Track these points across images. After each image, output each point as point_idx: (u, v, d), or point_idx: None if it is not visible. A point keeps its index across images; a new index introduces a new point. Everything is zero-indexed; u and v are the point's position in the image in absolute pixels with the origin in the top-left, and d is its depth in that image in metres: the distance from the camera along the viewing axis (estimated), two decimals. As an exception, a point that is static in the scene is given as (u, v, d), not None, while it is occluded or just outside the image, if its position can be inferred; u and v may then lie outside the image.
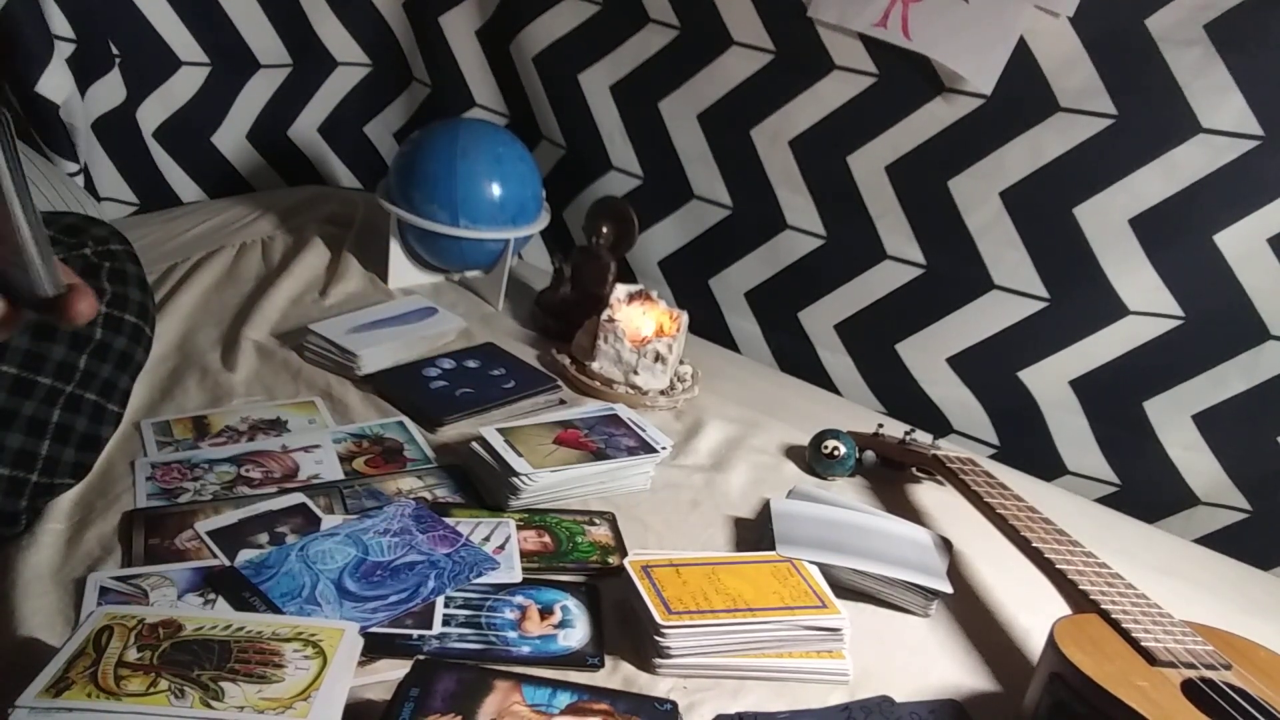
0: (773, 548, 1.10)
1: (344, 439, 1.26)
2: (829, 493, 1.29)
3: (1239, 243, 1.34)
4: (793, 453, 1.40)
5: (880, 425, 1.40)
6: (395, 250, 1.70)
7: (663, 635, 0.94)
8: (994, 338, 1.54)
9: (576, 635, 0.98)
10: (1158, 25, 1.33)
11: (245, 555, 1.01)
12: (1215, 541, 1.43)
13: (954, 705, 0.97)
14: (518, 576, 1.05)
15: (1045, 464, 1.53)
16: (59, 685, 0.75)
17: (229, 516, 1.07)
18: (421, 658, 0.88)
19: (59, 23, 1.61)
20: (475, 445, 1.20)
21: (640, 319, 1.49)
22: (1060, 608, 0.99)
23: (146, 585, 0.96)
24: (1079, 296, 1.46)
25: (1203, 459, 1.44)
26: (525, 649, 0.95)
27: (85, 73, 1.69)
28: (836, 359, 1.70)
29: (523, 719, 0.81)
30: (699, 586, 1.00)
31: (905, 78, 1.51)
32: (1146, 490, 1.48)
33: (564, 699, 0.83)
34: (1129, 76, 1.36)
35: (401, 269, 1.71)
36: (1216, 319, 1.38)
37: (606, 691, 0.87)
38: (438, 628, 0.96)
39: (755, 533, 1.20)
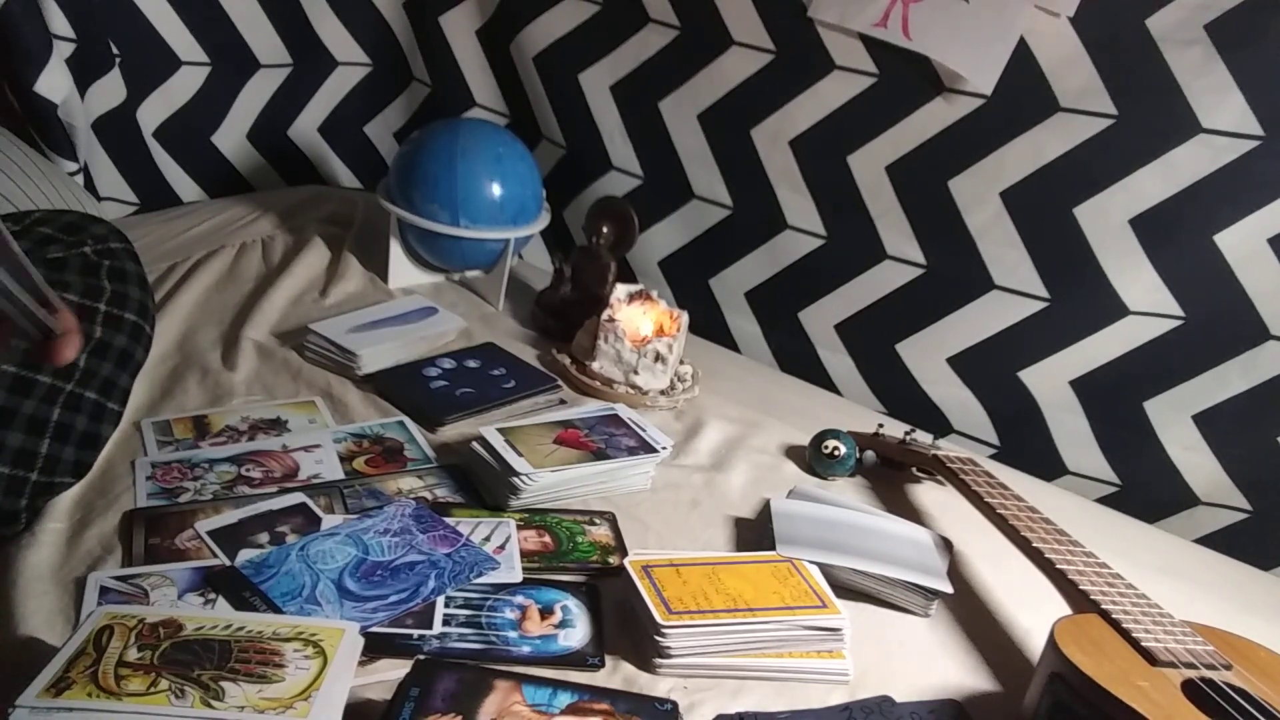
0: (773, 548, 1.10)
1: (344, 439, 1.26)
2: (829, 493, 1.29)
3: (1239, 243, 1.34)
4: (793, 453, 1.40)
5: (880, 425, 1.40)
6: (395, 250, 1.70)
7: (663, 635, 0.94)
8: (994, 338, 1.54)
9: (577, 635, 0.98)
10: (1158, 25, 1.33)
11: (245, 555, 1.01)
12: (1215, 541, 1.43)
13: (954, 705, 0.97)
14: (518, 576, 1.05)
15: (1045, 464, 1.53)
16: (59, 685, 0.75)
17: (229, 516, 1.07)
18: (422, 657, 0.88)
19: (59, 22, 1.61)
20: (475, 445, 1.20)
21: (640, 319, 1.49)
22: (1060, 608, 0.99)
23: (147, 585, 0.96)
24: (1079, 296, 1.46)
25: (1203, 459, 1.44)
26: (525, 649, 0.95)
27: (85, 72, 1.69)
28: (837, 359, 1.70)
29: (523, 719, 0.81)
30: (699, 586, 1.00)
31: (905, 78, 1.52)
32: (1146, 490, 1.48)
33: (564, 699, 0.83)
34: (1129, 76, 1.36)
35: (401, 269, 1.71)
36: (1216, 319, 1.38)
37: (607, 691, 0.87)
38: (438, 627, 0.96)
39: (755, 533, 1.20)
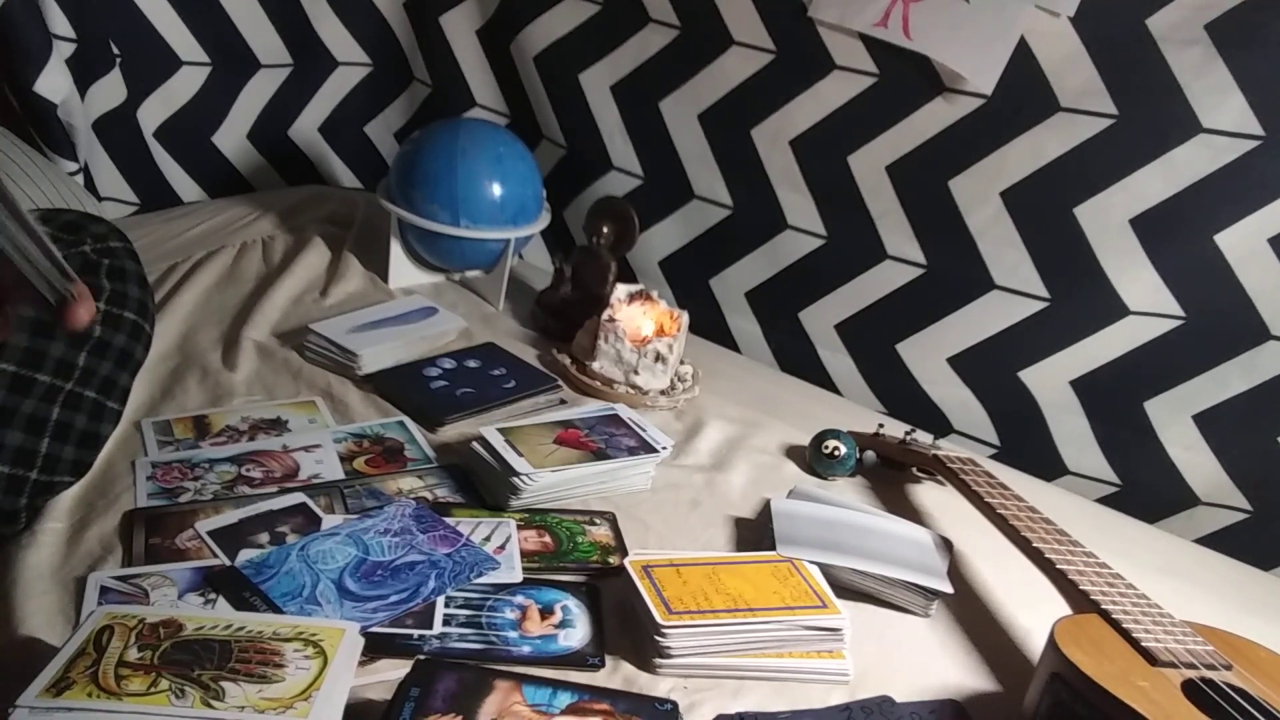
0: (773, 548, 1.10)
1: (344, 438, 1.26)
2: (829, 493, 1.29)
3: (1239, 243, 1.34)
4: (793, 453, 1.40)
5: (880, 425, 1.40)
6: (396, 250, 1.70)
7: (663, 635, 0.94)
8: (994, 338, 1.54)
9: (577, 635, 0.98)
10: (1158, 25, 1.33)
11: (246, 555, 1.01)
12: (1215, 541, 1.43)
13: (954, 705, 0.97)
14: (518, 576, 1.05)
15: (1045, 464, 1.53)
16: (59, 685, 0.75)
17: (229, 516, 1.07)
18: (422, 658, 0.88)
19: (59, 22, 1.61)
20: (476, 445, 1.20)
21: (640, 319, 1.49)
22: (1060, 608, 0.99)
23: (147, 585, 0.96)
24: (1079, 296, 1.46)
25: (1203, 459, 1.44)
26: (526, 649, 0.95)
27: (85, 73, 1.69)
28: (837, 359, 1.70)
29: (523, 719, 0.81)
30: (699, 586, 1.00)
31: (905, 78, 1.51)
32: (1146, 490, 1.48)
33: (564, 699, 0.83)
34: (1129, 76, 1.36)
35: (402, 269, 1.71)
36: (1216, 319, 1.38)
37: (607, 691, 0.87)
38: (438, 628, 0.96)
39: (755, 533, 1.20)
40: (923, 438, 1.35)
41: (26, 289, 0.58)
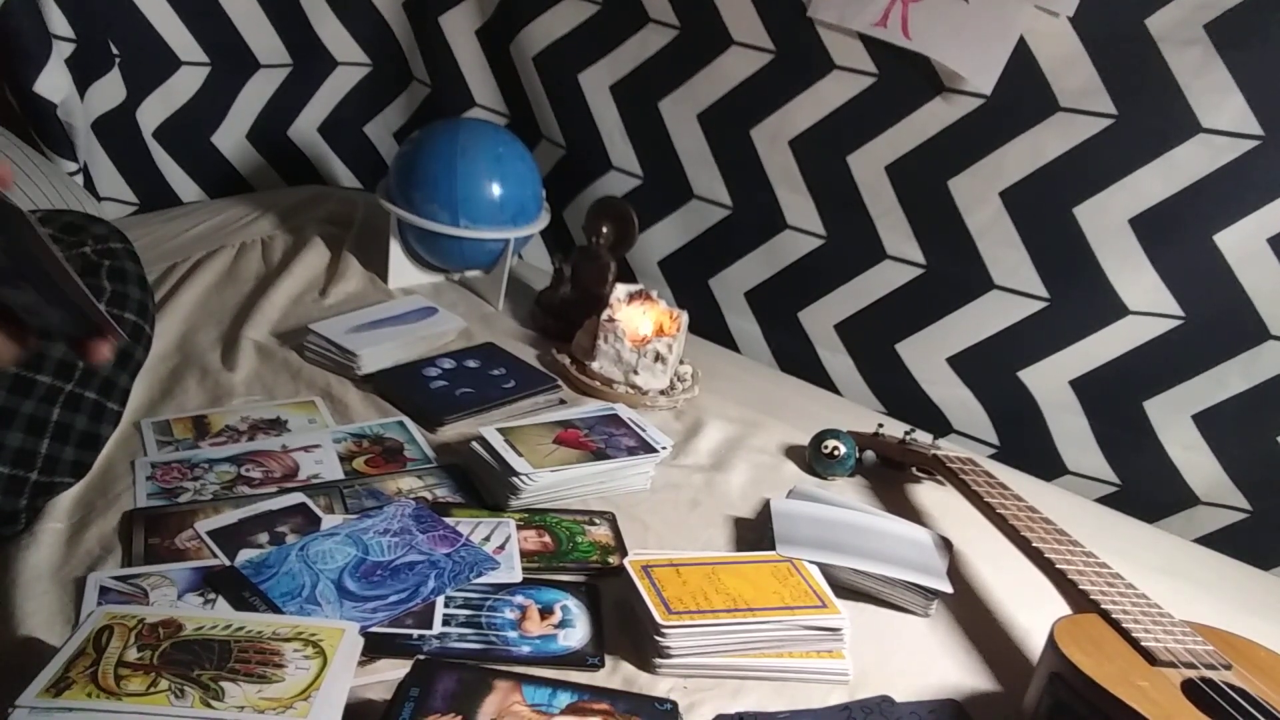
0: (773, 548, 1.10)
1: (344, 439, 1.26)
2: (829, 493, 1.29)
3: (1239, 243, 1.34)
4: (793, 453, 1.40)
5: (880, 425, 1.40)
6: (395, 250, 1.70)
7: (663, 635, 0.94)
8: (994, 338, 1.54)
9: (576, 635, 0.98)
10: (1158, 25, 1.33)
11: (245, 555, 1.01)
12: (1215, 541, 1.43)
13: (954, 705, 0.97)
14: (518, 576, 1.05)
15: (1045, 464, 1.53)
16: (59, 685, 0.75)
17: (229, 516, 1.07)
18: (422, 658, 0.88)
19: (59, 22, 1.61)
20: (475, 445, 1.20)
21: (640, 319, 1.49)
22: (1060, 607, 0.99)
23: (146, 585, 0.96)
24: (1079, 296, 1.46)
25: (1203, 459, 1.44)
26: (525, 649, 0.95)
27: (85, 72, 1.69)
28: (836, 359, 1.70)
29: (523, 719, 0.81)
30: (699, 586, 1.00)
31: (905, 78, 1.52)
32: (1146, 490, 1.48)
33: (564, 699, 0.83)
34: (1129, 76, 1.36)
35: (401, 269, 1.71)
36: (1216, 319, 1.38)
37: (606, 691, 0.87)
38: (438, 627, 0.96)
39: (755, 533, 1.20)
40: (922, 438, 1.35)
41: (54, 319, 0.60)
